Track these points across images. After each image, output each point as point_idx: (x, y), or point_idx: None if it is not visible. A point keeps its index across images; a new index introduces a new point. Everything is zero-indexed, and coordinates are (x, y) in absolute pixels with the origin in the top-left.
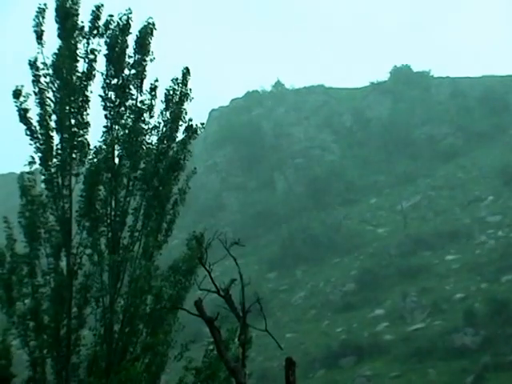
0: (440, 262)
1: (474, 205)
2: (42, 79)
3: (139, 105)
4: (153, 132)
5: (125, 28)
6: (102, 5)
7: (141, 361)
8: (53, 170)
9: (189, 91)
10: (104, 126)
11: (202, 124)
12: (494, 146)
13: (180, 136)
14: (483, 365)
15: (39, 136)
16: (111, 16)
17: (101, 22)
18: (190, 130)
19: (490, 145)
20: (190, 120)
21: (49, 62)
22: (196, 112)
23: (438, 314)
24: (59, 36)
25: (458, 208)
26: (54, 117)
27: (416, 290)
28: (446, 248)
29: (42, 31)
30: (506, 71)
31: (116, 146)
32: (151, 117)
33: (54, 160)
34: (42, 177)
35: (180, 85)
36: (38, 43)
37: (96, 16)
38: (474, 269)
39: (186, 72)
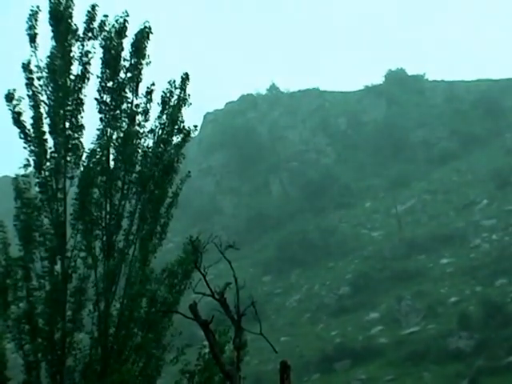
0: (434, 266)
1: (469, 208)
2: (36, 82)
3: (134, 108)
4: (149, 136)
5: (121, 31)
6: (97, 5)
7: (135, 364)
8: (47, 173)
9: (187, 97)
10: (99, 129)
11: (195, 126)
12: (488, 150)
13: (176, 139)
14: (477, 368)
15: (33, 139)
16: (106, 16)
17: (96, 24)
18: (184, 133)
19: (485, 148)
20: (182, 122)
21: (43, 64)
22: (191, 115)
23: (432, 318)
24: (53, 38)
25: (453, 212)
26: (47, 120)
27: (411, 293)
28: (441, 252)
29: (35, 34)
30: (501, 75)
31: (111, 150)
32: (146, 120)
33: (48, 163)
34: (36, 180)
35: (178, 90)
36: (32, 46)
37: (91, 17)
38: (468, 272)
39: (185, 77)
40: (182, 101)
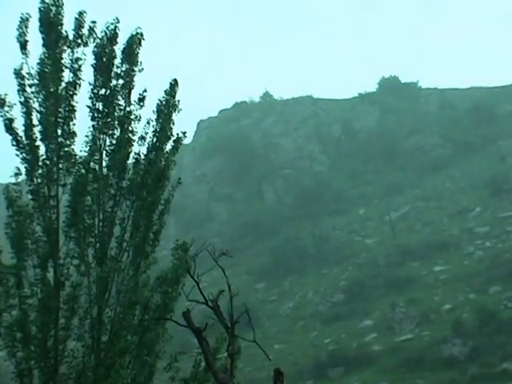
0: (428, 273)
1: (462, 215)
2: (28, 89)
3: (127, 115)
4: (140, 142)
5: (112, 38)
6: (85, 11)
7: (128, 371)
8: (39, 181)
9: (177, 102)
10: (91, 136)
11: (184, 133)
12: (482, 157)
13: (168, 146)
14: (471, 375)
15: (25, 146)
16: (94, 22)
17: (85, 30)
18: (175, 140)
19: (478, 155)
20: (171, 128)
21: (34, 71)
22: (184, 123)
23: (426, 325)
24: (44, 46)
25: (446, 219)
26: (39, 127)
27: (404, 300)
28: (434, 259)
29: (26, 41)
30: (494, 83)
31: (104, 157)
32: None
33: (40, 170)
34: (28, 187)
35: (168, 96)
36: (23, 53)
37: (79, 24)
38: (462, 280)
39: (175, 83)
40: (173, 107)
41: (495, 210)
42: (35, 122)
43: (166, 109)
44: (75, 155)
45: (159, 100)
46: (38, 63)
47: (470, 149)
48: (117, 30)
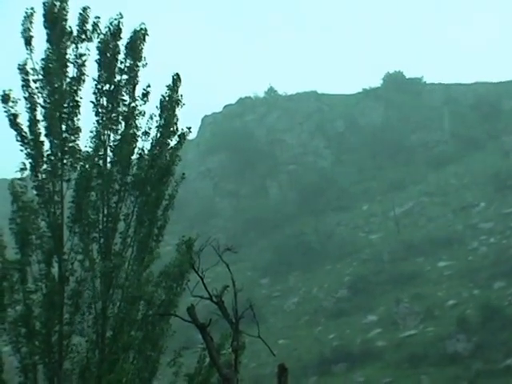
0: (432, 269)
1: (467, 211)
2: (32, 84)
3: (131, 111)
4: (143, 138)
5: (116, 33)
6: (89, 7)
7: (133, 366)
8: (44, 176)
9: (180, 97)
10: (95, 132)
11: (189, 128)
12: (486, 153)
13: (172, 142)
14: (475, 371)
15: (29, 141)
16: (98, 18)
17: (89, 26)
18: (179, 135)
19: (483, 151)
20: (175, 123)
21: (38, 67)
22: (189, 118)
23: (430, 321)
24: (48, 41)
25: (451, 214)
26: (44, 122)
27: (408, 296)
28: (439, 254)
29: (31, 36)
30: (499, 78)
31: (108, 152)
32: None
33: (45, 166)
34: (33, 183)
35: (171, 91)
36: (27, 48)
37: (83, 19)
38: (466, 275)
39: (177, 78)
40: (176, 102)
41: (499, 205)
42: (39, 117)
43: (170, 104)
44: (79, 151)
45: (162, 95)
46: (43, 59)
47: (475, 145)
48: (120, 26)
